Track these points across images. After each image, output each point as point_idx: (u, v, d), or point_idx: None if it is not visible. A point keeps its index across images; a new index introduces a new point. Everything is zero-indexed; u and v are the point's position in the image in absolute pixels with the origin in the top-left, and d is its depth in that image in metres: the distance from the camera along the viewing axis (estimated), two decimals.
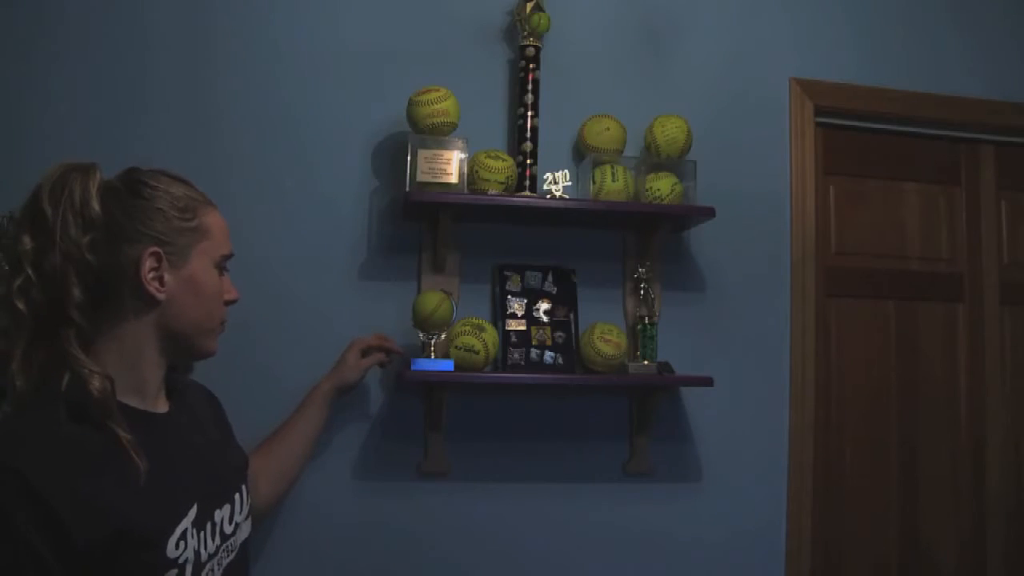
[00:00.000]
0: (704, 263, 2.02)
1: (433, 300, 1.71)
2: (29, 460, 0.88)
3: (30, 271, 0.96)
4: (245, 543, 1.17)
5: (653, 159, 1.91)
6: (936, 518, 2.16)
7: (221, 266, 1.13)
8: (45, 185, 1.00)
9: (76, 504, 0.87)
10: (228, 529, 1.09)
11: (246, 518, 1.17)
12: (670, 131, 1.90)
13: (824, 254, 2.14)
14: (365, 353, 1.70)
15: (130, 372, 1.03)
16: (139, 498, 0.94)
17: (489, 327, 1.78)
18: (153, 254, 1.02)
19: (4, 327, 0.97)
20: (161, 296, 1.03)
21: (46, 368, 0.97)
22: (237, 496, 1.14)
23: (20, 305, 0.95)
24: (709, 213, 1.85)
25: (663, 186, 1.87)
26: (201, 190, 1.14)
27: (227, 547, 1.09)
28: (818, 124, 2.13)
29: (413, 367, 1.69)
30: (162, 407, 1.10)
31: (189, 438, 1.12)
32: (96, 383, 0.94)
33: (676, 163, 1.91)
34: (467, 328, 1.75)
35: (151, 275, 1.02)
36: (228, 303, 1.15)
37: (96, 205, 0.99)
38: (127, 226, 1.02)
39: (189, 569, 0.97)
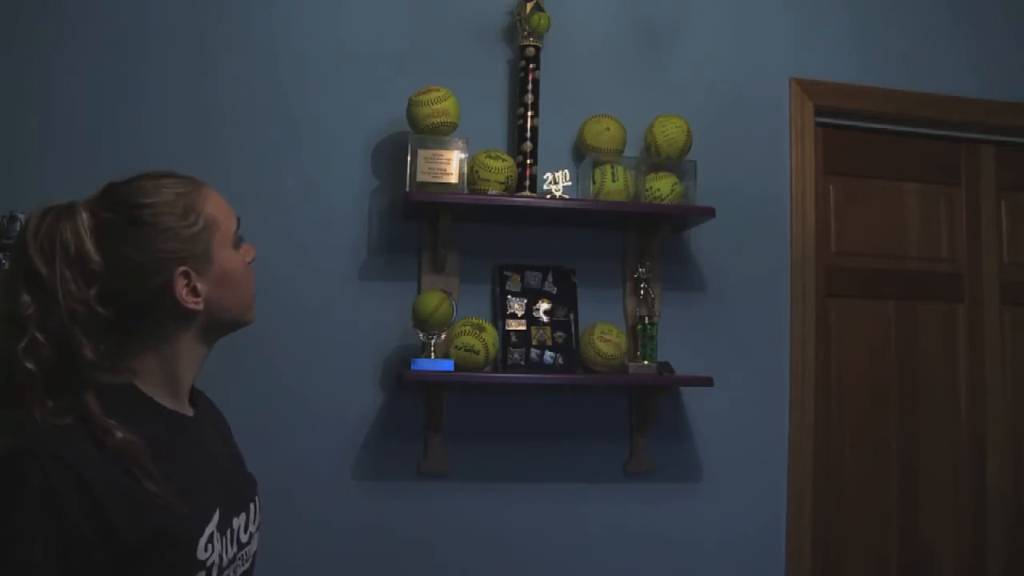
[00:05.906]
0: (704, 263, 2.02)
1: (433, 300, 1.71)
2: (78, 456, 0.87)
3: (37, 333, 0.88)
4: (255, 556, 1.18)
5: (653, 159, 1.91)
6: (936, 518, 2.16)
7: (237, 242, 1.09)
8: (31, 239, 0.90)
9: (121, 501, 0.88)
10: (244, 538, 1.10)
11: (257, 529, 1.18)
12: (670, 131, 1.90)
13: (824, 254, 2.14)
14: None
15: (168, 375, 1.03)
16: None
17: (489, 327, 1.78)
18: (182, 273, 0.99)
19: (16, 383, 0.88)
20: (200, 307, 1.02)
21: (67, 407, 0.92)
22: (252, 506, 1.16)
23: (30, 365, 0.88)
24: (709, 213, 1.85)
25: (663, 186, 1.87)
26: (183, 173, 1.06)
27: (243, 556, 1.10)
28: (818, 124, 2.13)
29: (413, 367, 1.70)
30: (188, 411, 1.10)
31: (211, 444, 1.13)
32: (117, 435, 0.89)
33: (676, 163, 1.91)
34: (467, 328, 1.75)
35: (186, 292, 1.00)
36: (249, 263, 1.11)
37: (93, 252, 0.92)
38: (143, 260, 0.96)
39: (215, 572, 0.97)
